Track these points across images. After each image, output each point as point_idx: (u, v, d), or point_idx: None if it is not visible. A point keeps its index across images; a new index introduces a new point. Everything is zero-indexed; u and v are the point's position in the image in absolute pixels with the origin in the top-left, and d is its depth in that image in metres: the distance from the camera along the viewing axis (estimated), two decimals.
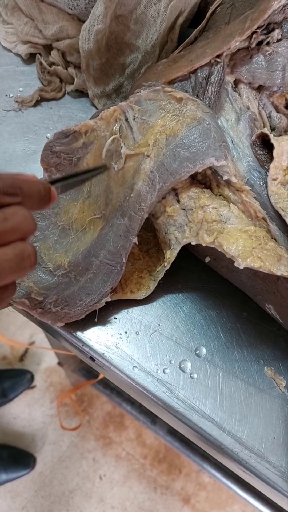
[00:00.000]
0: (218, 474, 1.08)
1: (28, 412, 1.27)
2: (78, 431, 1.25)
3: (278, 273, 0.32)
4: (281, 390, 0.39)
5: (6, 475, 1.14)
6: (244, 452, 0.37)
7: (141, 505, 1.19)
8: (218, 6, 0.41)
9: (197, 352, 0.40)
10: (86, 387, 1.27)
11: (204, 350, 0.40)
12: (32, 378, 1.28)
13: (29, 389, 1.28)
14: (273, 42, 0.37)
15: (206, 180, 0.37)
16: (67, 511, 1.15)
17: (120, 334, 0.41)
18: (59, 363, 1.11)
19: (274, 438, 0.37)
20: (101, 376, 0.94)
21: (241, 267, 0.33)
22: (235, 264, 0.33)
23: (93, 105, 0.51)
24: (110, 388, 1.09)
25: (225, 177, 0.36)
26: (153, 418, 1.09)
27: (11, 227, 0.25)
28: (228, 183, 0.36)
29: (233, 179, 0.36)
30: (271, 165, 0.36)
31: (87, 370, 1.08)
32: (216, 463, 1.08)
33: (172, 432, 1.09)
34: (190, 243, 0.37)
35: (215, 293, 0.43)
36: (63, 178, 0.31)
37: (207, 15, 0.42)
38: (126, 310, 0.42)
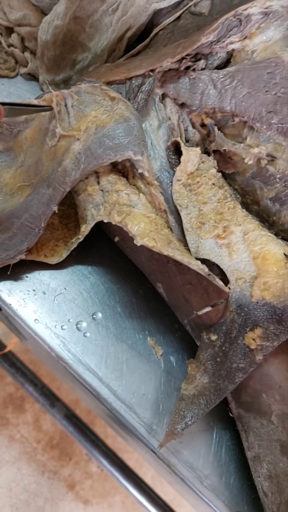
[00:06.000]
0: (104, 461, 1.14)
1: None
2: None
3: (165, 253, 0.39)
4: (157, 357, 0.46)
5: None
6: (117, 403, 0.43)
7: (26, 487, 1.22)
8: (161, 30, 0.49)
9: (93, 316, 0.46)
10: None
11: (100, 315, 0.46)
12: None
13: None
14: (198, 70, 0.45)
15: (125, 170, 0.44)
16: None
17: (29, 291, 0.46)
18: None
19: (144, 394, 0.44)
20: (6, 350, 0.96)
21: (138, 244, 0.40)
22: (134, 241, 0.40)
23: (42, 89, 0.56)
24: (16, 367, 1.12)
25: (139, 171, 0.43)
26: (52, 401, 1.13)
27: None
28: (142, 176, 0.43)
29: (146, 174, 0.43)
30: (178, 168, 0.43)
31: None
32: (104, 451, 1.14)
33: (69, 417, 1.14)
34: (103, 221, 0.44)
35: (119, 270, 0.50)
36: (11, 103, 0.38)
37: (151, 35, 0.49)
38: (38, 272, 0.47)
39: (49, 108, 0.43)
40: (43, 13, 0.54)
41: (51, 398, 1.14)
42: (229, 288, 0.40)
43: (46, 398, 1.13)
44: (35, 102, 0.44)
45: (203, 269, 0.39)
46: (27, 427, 1.29)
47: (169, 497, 1.16)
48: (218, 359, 0.40)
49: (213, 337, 0.41)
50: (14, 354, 1.15)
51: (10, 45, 0.57)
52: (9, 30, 0.57)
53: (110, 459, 1.14)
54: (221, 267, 0.41)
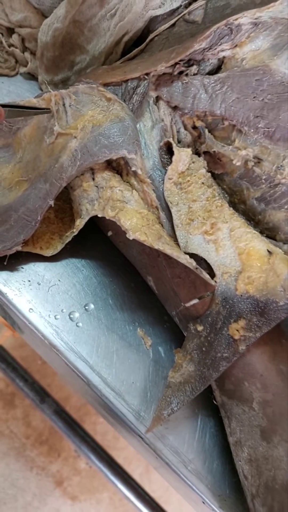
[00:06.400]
0: (93, 458, 1.15)
1: None
2: None
3: (156, 247, 0.41)
4: (146, 347, 0.48)
5: None
6: (107, 390, 0.45)
7: (14, 482, 1.23)
8: (156, 35, 0.51)
9: (86, 307, 0.48)
10: None
11: (92, 306, 0.48)
12: None
13: None
14: (191, 75, 0.48)
15: (119, 168, 0.46)
16: None
17: (24, 281, 0.48)
18: None
19: (133, 383, 0.46)
20: None
21: (131, 238, 0.42)
22: (127, 235, 0.42)
23: (41, 89, 0.58)
24: (7, 362, 1.13)
25: (133, 168, 0.45)
26: (42, 397, 1.15)
27: None
28: (135, 173, 0.45)
29: (139, 171, 0.45)
30: (169, 167, 0.46)
31: None
32: (93, 447, 1.15)
33: (58, 413, 1.15)
34: (97, 216, 0.46)
35: (112, 264, 0.52)
36: (11, 105, 0.40)
37: (147, 40, 0.52)
38: (33, 264, 0.49)
39: (48, 111, 0.45)
40: (44, 15, 0.56)
41: (41, 394, 1.15)
42: (215, 282, 0.43)
43: (36, 393, 1.14)
44: (34, 101, 0.46)
45: (191, 263, 0.41)
46: (16, 422, 1.30)
47: (157, 494, 1.18)
48: (203, 349, 0.43)
49: (200, 328, 0.43)
50: (5, 349, 1.16)
51: (10, 45, 0.59)
52: (10, 31, 0.59)
53: (98, 455, 1.16)
54: (208, 261, 0.43)
